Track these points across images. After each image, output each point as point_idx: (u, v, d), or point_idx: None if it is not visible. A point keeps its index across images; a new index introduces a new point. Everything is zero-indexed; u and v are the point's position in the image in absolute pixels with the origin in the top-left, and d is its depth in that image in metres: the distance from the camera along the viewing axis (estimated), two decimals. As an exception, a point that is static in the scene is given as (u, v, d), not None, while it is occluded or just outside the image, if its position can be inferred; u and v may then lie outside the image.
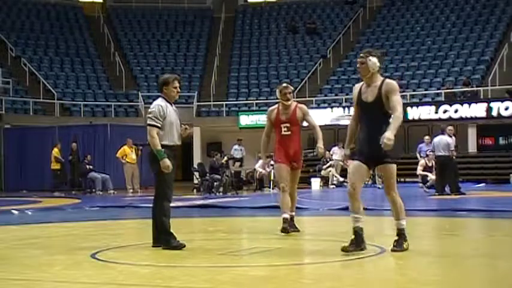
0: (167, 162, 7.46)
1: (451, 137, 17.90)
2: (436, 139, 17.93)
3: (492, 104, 26.40)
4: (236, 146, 26.87)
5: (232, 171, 23.80)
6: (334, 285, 5.47)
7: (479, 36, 32.39)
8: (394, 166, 6.90)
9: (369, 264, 6.45)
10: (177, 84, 7.75)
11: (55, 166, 23.84)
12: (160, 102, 7.69)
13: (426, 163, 19.51)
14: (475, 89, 28.38)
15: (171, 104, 7.75)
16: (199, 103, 32.15)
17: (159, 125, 7.55)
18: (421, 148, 21.13)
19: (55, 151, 23.76)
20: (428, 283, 5.53)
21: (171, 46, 36.46)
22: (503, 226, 10.32)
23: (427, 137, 21.20)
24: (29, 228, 10.86)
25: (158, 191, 7.71)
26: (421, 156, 20.68)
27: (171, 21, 38.30)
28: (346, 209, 13.65)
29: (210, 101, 32.48)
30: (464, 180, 23.43)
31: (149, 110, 7.76)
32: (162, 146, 7.54)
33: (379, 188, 21.78)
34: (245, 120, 30.37)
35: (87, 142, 25.30)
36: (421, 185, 19.74)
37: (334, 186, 24.84)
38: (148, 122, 7.66)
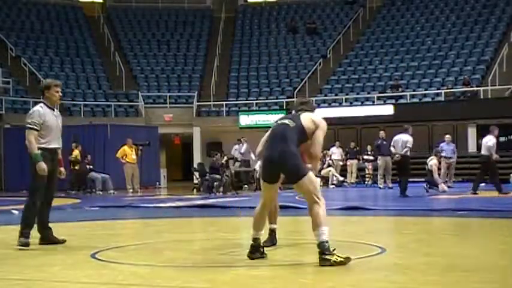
0: (42, 165, 7.89)
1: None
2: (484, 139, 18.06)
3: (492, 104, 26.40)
4: (236, 146, 26.65)
5: (233, 171, 23.78)
6: (334, 285, 5.46)
7: (479, 36, 32.39)
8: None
9: (369, 264, 6.45)
10: (58, 89, 8.13)
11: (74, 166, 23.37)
12: (38, 108, 8.03)
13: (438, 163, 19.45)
14: (475, 89, 28.38)
15: (52, 109, 8.13)
16: (199, 103, 32.15)
17: (38, 129, 7.93)
18: (442, 147, 21.17)
19: (75, 153, 23.31)
20: (428, 283, 5.53)
21: (171, 46, 36.45)
22: (503, 226, 10.32)
23: (447, 136, 21.15)
24: (29, 228, 10.83)
25: (29, 189, 8.22)
26: (441, 156, 20.60)
27: (171, 21, 38.29)
28: (346, 209, 13.72)
29: (210, 101, 32.47)
30: (464, 180, 23.48)
31: (28, 115, 8.11)
32: (41, 149, 7.94)
33: (380, 187, 21.82)
34: (245, 120, 30.35)
35: (87, 142, 25.27)
36: (440, 182, 19.39)
37: (334, 186, 24.85)
38: (26, 125, 7.98)
